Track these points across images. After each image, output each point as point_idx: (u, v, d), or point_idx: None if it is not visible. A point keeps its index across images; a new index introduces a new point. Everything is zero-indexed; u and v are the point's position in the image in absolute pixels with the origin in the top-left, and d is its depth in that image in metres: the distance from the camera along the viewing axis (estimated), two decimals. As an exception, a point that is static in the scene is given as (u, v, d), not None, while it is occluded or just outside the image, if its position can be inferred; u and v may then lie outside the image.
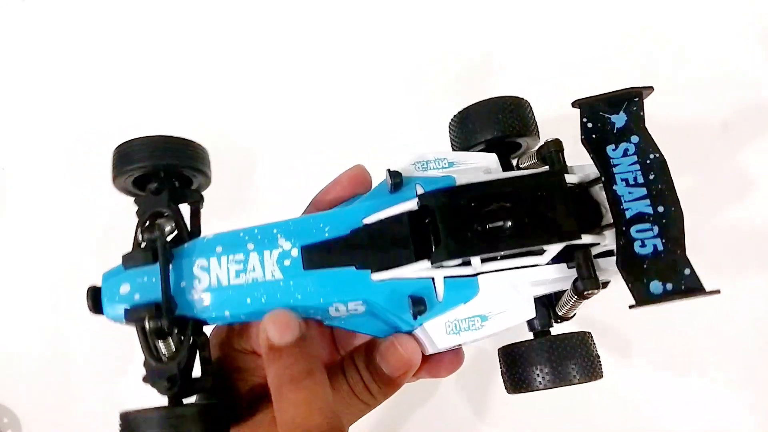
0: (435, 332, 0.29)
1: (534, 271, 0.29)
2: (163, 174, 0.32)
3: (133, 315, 0.30)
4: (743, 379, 0.53)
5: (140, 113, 0.63)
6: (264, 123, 0.62)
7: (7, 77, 0.66)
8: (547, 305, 0.31)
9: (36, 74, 0.66)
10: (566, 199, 0.29)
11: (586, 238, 0.29)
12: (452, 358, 0.34)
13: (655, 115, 0.57)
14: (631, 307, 0.28)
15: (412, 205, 0.30)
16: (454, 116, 0.36)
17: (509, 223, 0.28)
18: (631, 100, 0.30)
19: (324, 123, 0.61)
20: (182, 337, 0.30)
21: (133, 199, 0.34)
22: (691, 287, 0.28)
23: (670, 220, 0.28)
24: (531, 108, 0.35)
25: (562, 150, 0.31)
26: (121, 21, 0.66)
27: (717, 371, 0.54)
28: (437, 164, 0.32)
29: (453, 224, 0.28)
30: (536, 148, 0.32)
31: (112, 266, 0.32)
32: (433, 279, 0.29)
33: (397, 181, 0.30)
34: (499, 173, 0.31)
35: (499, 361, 0.32)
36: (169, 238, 0.32)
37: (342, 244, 0.30)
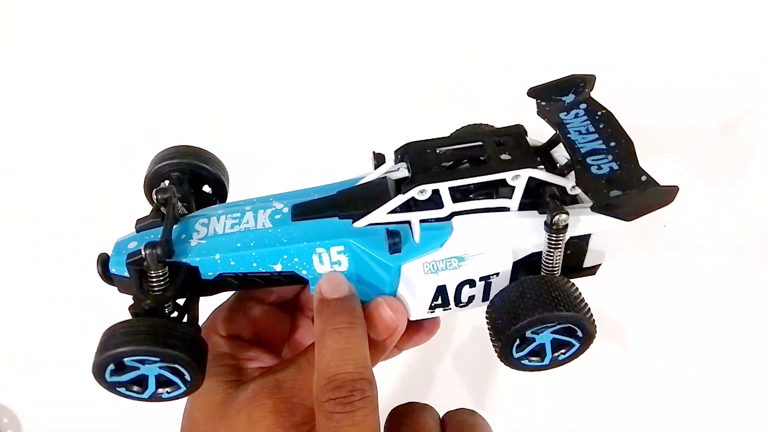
0: (413, 273, 0.30)
1: (507, 217, 0.31)
2: (191, 174, 0.36)
3: (132, 257, 0.31)
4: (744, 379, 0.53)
5: (139, 113, 0.63)
6: (263, 123, 0.62)
7: (8, 78, 0.66)
8: (530, 269, 0.31)
9: (36, 76, 0.66)
10: (526, 144, 0.32)
11: (548, 175, 0.30)
12: (430, 322, 0.36)
13: (655, 114, 0.57)
14: (592, 208, 0.29)
15: (390, 164, 0.33)
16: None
17: (472, 164, 0.31)
18: (577, 85, 0.34)
19: (319, 126, 0.61)
20: (174, 280, 0.32)
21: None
22: (648, 183, 0.29)
23: (621, 148, 0.31)
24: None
25: (524, 132, 0.33)
26: (119, 21, 0.66)
27: (718, 371, 0.54)
28: None
29: (422, 163, 0.31)
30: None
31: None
32: (409, 222, 0.31)
33: (380, 161, 0.33)
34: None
35: (486, 319, 0.31)
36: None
37: (329, 202, 0.33)
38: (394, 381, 0.58)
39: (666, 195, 0.30)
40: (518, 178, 0.30)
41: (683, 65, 0.57)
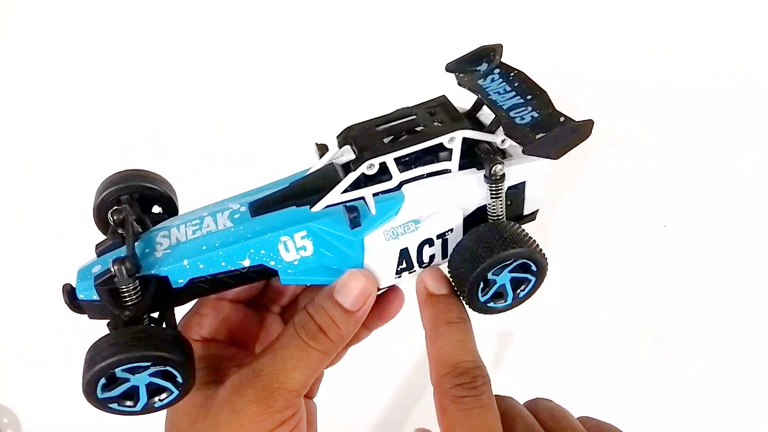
0: (376, 243, 0.33)
1: (450, 178, 0.33)
2: (129, 194, 0.36)
3: (100, 278, 0.32)
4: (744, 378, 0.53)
5: (139, 113, 0.63)
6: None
7: (8, 79, 0.66)
8: (483, 221, 0.34)
9: (36, 76, 0.66)
10: (454, 108, 0.34)
11: (479, 134, 0.33)
12: (395, 295, 0.38)
13: (655, 114, 0.57)
14: (523, 151, 0.32)
15: (335, 149, 0.34)
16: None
17: (410, 135, 0.33)
18: (487, 55, 0.36)
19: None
20: (146, 291, 0.32)
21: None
22: (568, 122, 0.32)
23: (538, 99, 0.33)
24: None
25: (449, 100, 0.36)
26: (119, 20, 0.66)
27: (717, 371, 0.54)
28: None
29: (365, 141, 0.33)
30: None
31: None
32: (363, 198, 0.33)
33: (324, 152, 0.35)
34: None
35: (449, 271, 0.35)
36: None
37: (284, 194, 0.34)
38: (394, 383, 0.58)
39: (584, 128, 0.32)
40: (454, 140, 0.33)
41: (683, 65, 0.57)
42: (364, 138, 0.33)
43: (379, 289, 0.34)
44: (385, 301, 0.38)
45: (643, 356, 0.55)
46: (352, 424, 0.32)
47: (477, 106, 0.36)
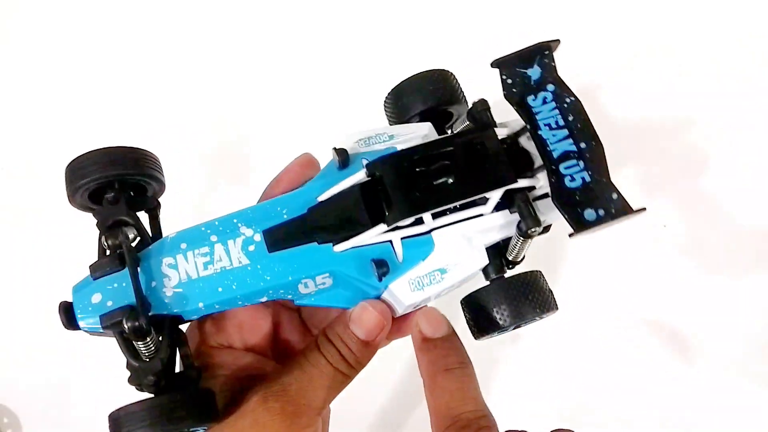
0: (401, 291, 0.31)
1: (481, 221, 0.32)
2: (117, 185, 0.33)
3: (108, 321, 0.30)
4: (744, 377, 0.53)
5: (138, 112, 0.63)
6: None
7: (8, 78, 0.66)
8: (498, 253, 0.33)
9: (35, 75, 0.66)
10: (499, 148, 0.31)
11: (521, 182, 0.31)
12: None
13: (655, 114, 0.57)
14: (570, 235, 0.30)
15: (361, 176, 0.31)
16: (388, 93, 0.37)
17: (451, 179, 0.31)
18: (542, 53, 0.33)
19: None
20: (161, 336, 0.31)
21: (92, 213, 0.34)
22: (620, 209, 0.31)
23: (592, 154, 0.31)
24: (456, 78, 0.37)
25: (488, 108, 0.33)
26: (118, 19, 0.66)
27: (718, 370, 0.54)
28: (378, 139, 0.34)
29: (401, 186, 0.30)
30: (465, 113, 0.35)
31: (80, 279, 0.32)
32: (391, 242, 0.31)
33: (343, 158, 0.32)
34: (436, 137, 0.34)
35: (463, 311, 0.34)
36: (133, 244, 0.33)
37: (302, 223, 0.32)
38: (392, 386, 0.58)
39: (630, 217, 0.31)
40: (494, 193, 0.31)
41: (683, 65, 0.57)
42: (398, 181, 0.30)
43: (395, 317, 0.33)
44: (411, 316, 0.36)
45: (643, 356, 0.55)
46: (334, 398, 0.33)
47: (521, 132, 0.33)
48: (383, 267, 0.30)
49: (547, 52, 0.33)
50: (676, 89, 0.57)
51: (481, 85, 0.35)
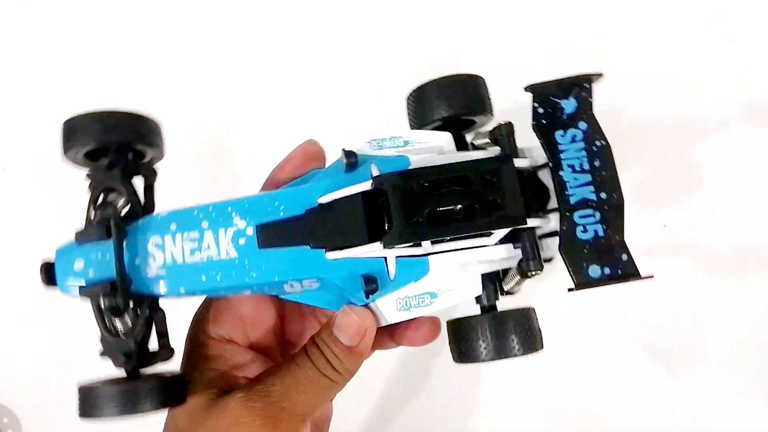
0: (386, 309, 0.30)
1: (482, 252, 0.30)
2: (115, 148, 0.32)
3: (87, 292, 0.30)
4: (744, 378, 0.53)
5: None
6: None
7: (8, 77, 0.66)
8: (494, 281, 0.32)
9: (35, 74, 0.66)
10: (515, 183, 0.30)
11: (531, 222, 0.30)
12: (430, 328, 0.36)
13: (654, 113, 0.57)
14: (570, 290, 0.29)
15: (366, 185, 0.30)
16: (412, 92, 0.36)
17: (459, 207, 0.30)
18: (581, 85, 0.31)
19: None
20: (138, 313, 0.31)
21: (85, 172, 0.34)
22: (628, 272, 0.29)
23: (611, 207, 0.30)
24: (486, 86, 0.36)
25: (513, 133, 0.32)
26: (118, 18, 0.66)
27: (717, 370, 0.54)
28: (392, 143, 0.32)
29: (405, 208, 0.29)
30: (490, 128, 0.33)
31: (65, 242, 0.32)
32: (385, 258, 0.30)
33: (352, 161, 0.31)
34: (452, 154, 0.32)
35: (448, 332, 0.33)
36: (122, 213, 0.32)
37: (297, 224, 0.30)
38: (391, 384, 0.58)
39: (635, 281, 0.29)
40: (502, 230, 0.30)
41: (683, 64, 0.57)
42: (403, 202, 0.29)
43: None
44: (417, 327, 0.36)
45: (643, 356, 0.55)
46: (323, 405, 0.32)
47: (541, 167, 0.32)
48: (372, 284, 0.30)
49: (587, 86, 0.31)
50: (675, 88, 0.57)
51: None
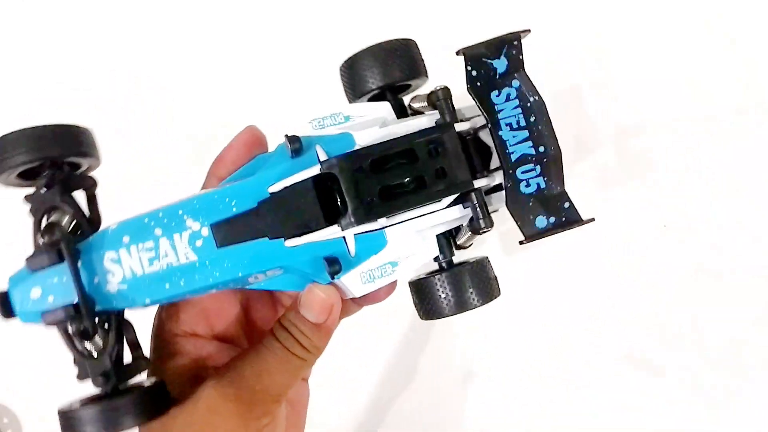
0: (351, 284, 0.31)
1: (435, 216, 0.32)
2: (49, 164, 0.31)
3: (50, 318, 0.30)
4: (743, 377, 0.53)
5: (138, 112, 0.63)
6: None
7: (8, 76, 0.66)
8: (448, 238, 0.34)
9: (35, 72, 0.66)
10: (458, 150, 0.31)
11: (478, 183, 0.31)
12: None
13: (652, 112, 0.57)
14: (521, 242, 0.31)
15: (315, 170, 0.30)
16: (344, 63, 0.35)
17: (408, 179, 0.31)
18: (510, 43, 0.32)
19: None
20: (108, 331, 0.30)
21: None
22: (571, 219, 0.31)
23: (550, 159, 0.31)
24: (418, 47, 0.36)
25: (450, 97, 0.32)
26: (119, 18, 0.66)
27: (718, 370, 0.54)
28: (333, 120, 0.32)
29: (356, 189, 0.30)
30: (427, 92, 0.34)
31: (16, 269, 0.32)
32: (344, 238, 0.31)
33: (296, 146, 0.31)
34: (394, 126, 0.32)
35: (411, 292, 0.34)
36: (69, 230, 0.32)
37: (252, 217, 0.30)
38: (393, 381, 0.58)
39: (580, 227, 0.31)
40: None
41: (683, 64, 0.57)
42: (354, 183, 0.30)
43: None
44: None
45: (641, 357, 0.55)
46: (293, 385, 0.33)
47: (481, 128, 0.33)
48: (335, 265, 0.30)
49: (516, 43, 0.32)
50: (676, 88, 0.57)
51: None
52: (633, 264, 0.56)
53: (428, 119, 0.33)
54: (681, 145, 0.56)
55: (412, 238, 0.32)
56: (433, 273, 0.33)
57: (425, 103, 0.34)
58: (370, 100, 0.35)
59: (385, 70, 0.34)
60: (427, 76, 0.36)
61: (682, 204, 0.55)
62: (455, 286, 0.32)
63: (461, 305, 0.32)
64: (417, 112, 0.35)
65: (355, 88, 0.35)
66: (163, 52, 0.64)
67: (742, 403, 0.53)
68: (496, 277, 0.34)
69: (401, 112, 0.35)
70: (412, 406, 0.58)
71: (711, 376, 0.54)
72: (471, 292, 0.32)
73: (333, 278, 0.31)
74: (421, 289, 0.33)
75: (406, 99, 0.36)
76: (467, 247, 0.35)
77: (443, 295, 0.32)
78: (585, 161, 0.56)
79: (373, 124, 0.32)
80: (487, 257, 0.34)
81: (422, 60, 0.36)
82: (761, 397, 0.53)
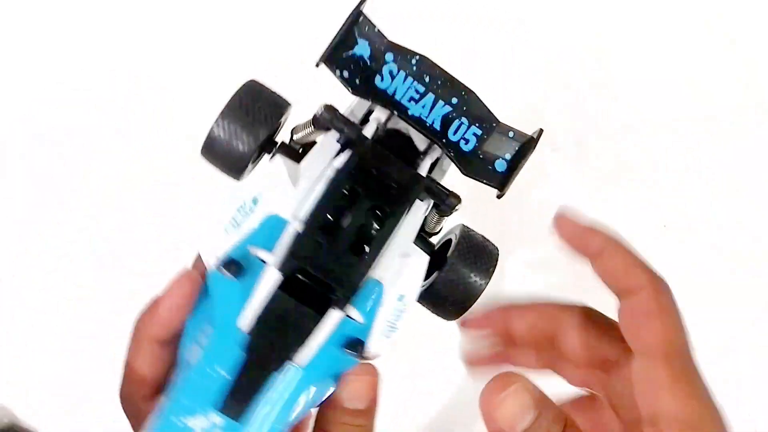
0: (378, 347, 0.28)
1: (405, 229, 0.28)
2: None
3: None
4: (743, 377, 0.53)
5: (139, 113, 0.63)
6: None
7: (8, 76, 0.66)
8: (421, 237, 0.31)
9: (35, 71, 0.66)
10: (388, 159, 0.27)
11: (423, 171, 0.28)
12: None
13: (652, 112, 0.57)
14: (498, 197, 0.29)
15: (274, 278, 0.25)
16: (203, 149, 0.31)
17: (366, 219, 0.27)
18: (356, 22, 0.28)
19: None
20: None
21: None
22: (524, 143, 0.28)
23: (468, 104, 0.28)
24: (263, 84, 0.31)
25: (336, 112, 0.28)
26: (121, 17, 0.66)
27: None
28: (243, 212, 0.28)
29: (329, 264, 0.26)
30: (307, 119, 0.30)
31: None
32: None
33: (234, 268, 0.26)
34: (305, 174, 0.28)
35: (426, 305, 0.31)
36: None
37: (248, 367, 0.25)
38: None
39: (535, 143, 0.28)
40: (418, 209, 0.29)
41: (684, 64, 0.57)
42: (322, 261, 0.25)
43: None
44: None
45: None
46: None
47: (388, 120, 0.29)
48: (356, 345, 0.27)
49: (361, 19, 0.28)
50: (676, 88, 0.57)
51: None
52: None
53: (328, 142, 0.29)
54: (681, 145, 0.56)
55: (400, 263, 0.28)
56: (433, 280, 0.30)
57: (310, 129, 0.30)
58: (253, 164, 0.31)
59: (251, 129, 0.29)
60: (289, 104, 0.31)
61: (682, 204, 0.55)
62: (459, 281, 0.30)
63: (473, 293, 0.30)
64: (306, 144, 0.31)
65: (232, 166, 0.30)
66: (163, 53, 0.64)
67: (741, 403, 0.53)
68: (483, 242, 0.31)
69: (292, 154, 0.30)
70: (412, 407, 0.58)
71: (711, 376, 0.54)
72: (473, 277, 0.30)
73: (361, 358, 0.27)
74: (432, 299, 0.31)
75: (282, 137, 0.32)
76: (438, 232, 0.32)
77: (455, 291, 0.30)
78: (585, 161, 0.56)
79: (284, 187, 0.28)
80: (462, 224, 0.31)
81: (273, 91, 0.31)
82: (761, 397, 0.53)
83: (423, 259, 0.29)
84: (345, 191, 0.27)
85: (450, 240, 0.31)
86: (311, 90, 0.55)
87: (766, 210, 0.55)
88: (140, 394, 0.28)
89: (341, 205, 0.27)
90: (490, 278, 0.30)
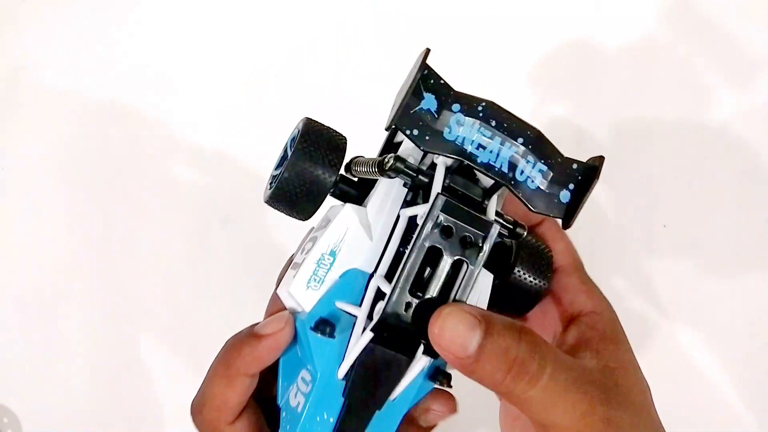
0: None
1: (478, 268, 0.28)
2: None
3: None
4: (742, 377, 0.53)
5: (139, 115, 0.63)
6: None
7: (8, 75, 0.66)
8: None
9: (34, 71, 0.66)
10: (461, 211, 0.27)
11: (490, 214, 0.29)
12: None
13: (653, 113, 0.57)
14: (565, 228, 0.29)
15: (368, 336, 0.27)
16: (271, 198, 0.31)
17: (451, 267, 0.27)
18: (422, 75, 0.27)
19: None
20: None
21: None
22: (587, 174, 0.29)
23: (533, 143, 0.28)
24: (321, 124, 0.32)
25: (405, 162, 0.29)
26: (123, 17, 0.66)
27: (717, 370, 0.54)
28: (323, 266, 0.29)
29: (417, 321, 0.26)
30: (369, 161, 0.31)
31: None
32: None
33: (328, 329, 0.28)
34: (375, 225, 0.29)
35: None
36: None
37: (350, 412, 0.28)
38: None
39: (598, 172, 0.29)
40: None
41: (684, 65, 0.57)
42: (405, 323, 0.26)
43: None
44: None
45: (640, 357, 0.55)
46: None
47: (460, 167, 0.29)
48: (437, 375, 0.29)
49: (426, 72, 0.27)
50: (676, 89, 0.57)
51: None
52: (633, 264, 0.56)
53: (393, 186, 0.30)
54: (681, 145, 0.56)
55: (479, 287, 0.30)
56: (500, 283, 0.32)
57: (374, 171, 0.30)
58: None
59: (320, 177, 0.30)
60: (346, 140, 0.32)
61: (682, 204, 0.55)
62: (529, 263, 0.32)
63: (535, 298, 0.33)
64: (362, 179, 0.32)
65: (303, 211, 0.31)
66: (164, 53, 0.64)
67: (741, 403, 0.53)
68: (539, 248, 0.34)
69: (351, 185, 0.32)
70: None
71: (710, 375, 0.54)
72: (531, 282, 0.33)
73: (448, 386, 0.30)
74: (509, 295, 0.33)
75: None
76: None
77: (530, 278, 0.33)
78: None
79: (359, 239, 0.29)
80: (525, 236, 0.32)
81: (332, 130, 0.32)
82: (761, 397, 0.53)
83: (488, 280, 0.31)
84: (429, 249, 0.27)
85: (502, 244, 0.33)
86: (322, 90, 0.55)
87: (767, 210, 0.55)
88: (225, 421, 0.30)
89: (426, 266, 0.27)
90: (550, 282, 0.33)
